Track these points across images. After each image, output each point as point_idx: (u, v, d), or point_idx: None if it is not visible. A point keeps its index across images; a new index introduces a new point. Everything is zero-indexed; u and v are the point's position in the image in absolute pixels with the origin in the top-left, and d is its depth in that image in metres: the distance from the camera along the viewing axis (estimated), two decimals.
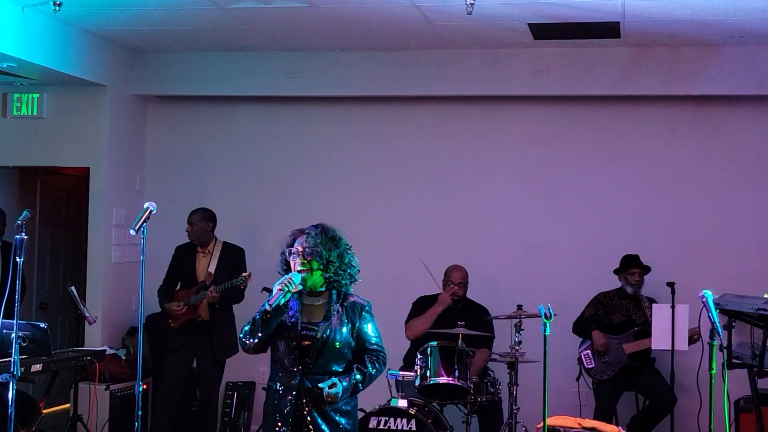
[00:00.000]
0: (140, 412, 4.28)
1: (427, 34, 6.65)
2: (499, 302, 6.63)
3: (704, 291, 4.26)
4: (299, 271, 3.91)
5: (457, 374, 5.74)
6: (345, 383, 3.87)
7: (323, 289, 3.99)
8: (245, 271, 6.60)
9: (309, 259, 3.92)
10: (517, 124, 7.31)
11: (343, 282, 4.00)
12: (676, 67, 6.77)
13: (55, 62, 6.54)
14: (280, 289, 3.80)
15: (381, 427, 5.65)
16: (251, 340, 3.89)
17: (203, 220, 6.76)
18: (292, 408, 3.84)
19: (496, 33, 6.56)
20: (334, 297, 3.98)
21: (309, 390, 3.86)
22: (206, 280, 6.65)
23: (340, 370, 3.93)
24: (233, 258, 6.80)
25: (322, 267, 3.93)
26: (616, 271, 6.68)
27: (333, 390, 3.82)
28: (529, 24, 6.27)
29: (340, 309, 3.97)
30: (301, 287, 3.90)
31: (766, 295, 5.27)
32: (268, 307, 3.80)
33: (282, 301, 3.80)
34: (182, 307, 6.61)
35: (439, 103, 7.37)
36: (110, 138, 7.27)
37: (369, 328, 4.01)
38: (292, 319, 3.92)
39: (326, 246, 3.94)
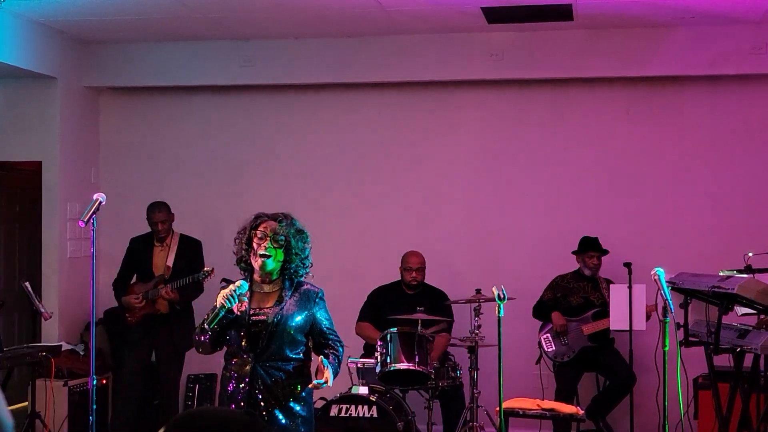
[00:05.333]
0: (95, 406, 4.25)
1: (380, 20, 6.62)
2: (459, 287, 6.63)
3: (656, 268, 4.29)
4: (262, 256, 3.87)
5: (417, 360, 5.73)
6: (332, 366, 3.88)
7: (276, 277, 3.96)
8: (203, 264, 6.55)
9: (276, 246, 3.88)
10: (472, 108, 7.30)
11: (301, 273, 3.99)
12: (628, 49, 6.80)
13: (2, 54, 6.41)
14: (222, 304, 3.77)
15: (342, 414, 5.63)
16: (205, 338, 3.86)
17: (169, 214, 6.70)
18: (246, 396, 3.82)
19: (450, 17, 6.54)
20: (287, 284, 3.96)
21: (263, 377, 3.84)
22: (164, 274, 6.59)
23: (294, 356, 3.92)
24: (191, 251, 6.74)
25: (287, 257, 3.90)
26: (574, 252, 6.71)
27: (323, 378, 3.81)
28: (482, 8, 6.26)
29: (296, 296, 3.95)
30: (246, 299, 3.88)
31: (721, 273, 5.31)
32: (206, 326, 3.79)
33: (221, 313, 3.78)
34: (141, 300, 6.55)
35: (394, 89, 7.34)
36: (62, 131, 7.16)
37: (323, 314, 4.03)
38: (242, 307, 3.89)
39: (295, 237, 3.93)
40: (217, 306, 3.79)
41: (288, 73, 7.24)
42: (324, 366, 3.81)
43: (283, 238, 3.88)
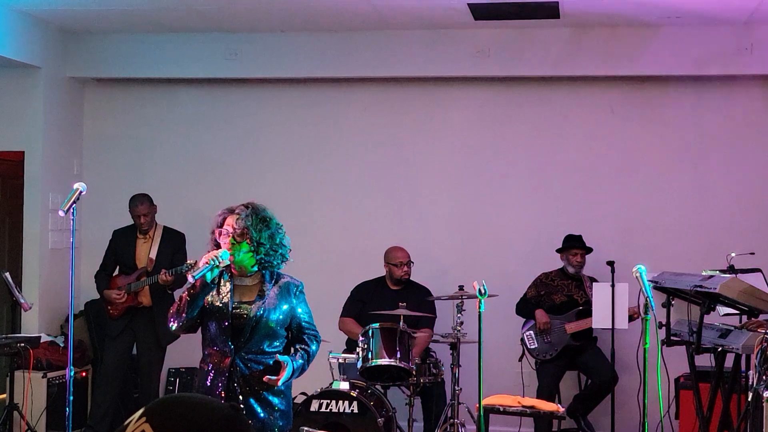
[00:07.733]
0: (72, 398, 4.20)
1: (368, 15, 6.59)
2: (442, 283, 6.62)
3: (638, 266, 4.29)
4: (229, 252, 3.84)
5: (399, 356, 5.71)
6: (296, 363, 3.85)
7: (254, 270, 3.93)
8: (186, 257, 6.51)
9: (239, 240, 3.85)
10: (458, 105, 7.29)
11: (275, 263, 3.94)
12: (614, 48, 6.80)
13: None
14: (206, 263, 3.72)
15: (323, 410, 5.61)
16: (177, 321, 3.83)
17: (151, 206, 6.66)
18: (224, 389, 3.79)
19: (437, 13, 6.53)
20: (267, 277, 3.94)
21: (242, 370, 3.82)
22: (147, 267, 6.55)
23: (274, 350, 3.89)
24: (174, 243, 6.71)
25: (252, 248, 3.86)
26: (558, 250, 6.70)
27: (275, 377, 3.79)
28: (468, 4, 6.25)
29: (276, 289, 3.93)
30: (228, 263, 3.83)
31: (704, 272, 5.32)
32: (191, 280, 3.73)
33: (209, 277, 3.73)
34: (123, 296, 6.51)
35: (380, 84, 7.32)
36: (45, 121, 7.11)
37: (303, 308, 4.00)
38: (224, 300, 3.87)
39: (257, 227, 3.87)
40: (200, 265, 3.74)
41: (274, 66, 7.21)
42: (283, 364, 3.80)
43: (243, 231, 3.83)
